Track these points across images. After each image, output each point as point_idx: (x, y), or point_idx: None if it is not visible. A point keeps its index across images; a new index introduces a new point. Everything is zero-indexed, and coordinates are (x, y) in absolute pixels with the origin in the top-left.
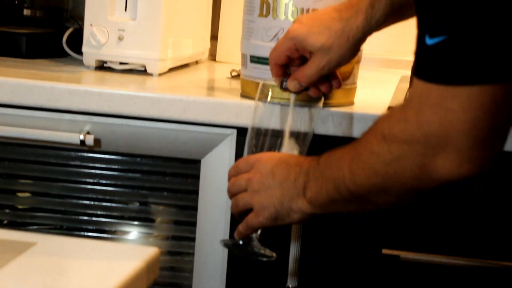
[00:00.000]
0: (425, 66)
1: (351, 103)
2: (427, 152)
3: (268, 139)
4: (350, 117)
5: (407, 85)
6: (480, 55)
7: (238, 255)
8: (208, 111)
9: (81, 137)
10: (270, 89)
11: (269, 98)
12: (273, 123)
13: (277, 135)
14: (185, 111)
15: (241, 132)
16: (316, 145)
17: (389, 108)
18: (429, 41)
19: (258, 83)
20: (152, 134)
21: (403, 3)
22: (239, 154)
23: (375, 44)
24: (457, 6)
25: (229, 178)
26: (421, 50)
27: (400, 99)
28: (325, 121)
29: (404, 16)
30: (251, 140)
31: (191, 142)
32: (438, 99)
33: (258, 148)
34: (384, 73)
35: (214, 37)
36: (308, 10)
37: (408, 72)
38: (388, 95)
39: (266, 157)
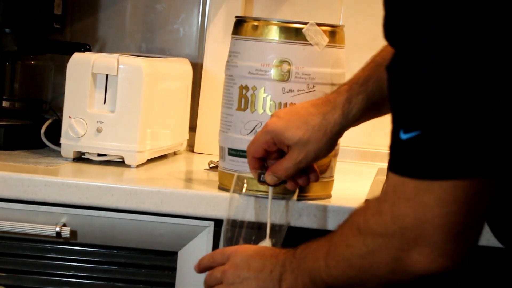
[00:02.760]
0: (400, 161)
1: (329, 196)
2: (402, 245)
3: (243, 231)
4: (326, 209)
5: (384, 177)
6: (453, 150)
7: None
8: (186, 203)
9: (57, 229)
10: (245, 181)
11: (244, 190)
12: (248, 215)
13: (253, 227)
14: (162, 203)
15: (219, 224)
16: (292, 237)
17: (366, 200)
18: (403, 136)
19: None
20: (129, 226)
21: (379, 100)
22: (216, 246)
23: (352, 136)
24: (430, 104)
25: (200, 264)
26: (396, 144)
27: (377, 191)
28: (301, 213)
29: (380, 112)
30: (227, 233)
31: (168, 234)
32: (412, 193)
33: (234, 240)
34: (361, 165)
35: (192, 128)
36: (286, 104)
37: (384, 165)
38: (365, 188)
39: (242, 249)
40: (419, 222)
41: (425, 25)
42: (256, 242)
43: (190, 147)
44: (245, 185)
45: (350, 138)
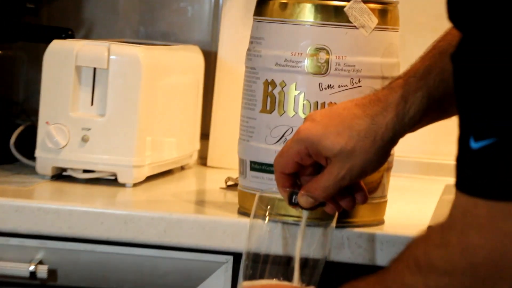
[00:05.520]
0: (470, 176)
1: (380, 222)
2: (475, 286)
3: (268, 267)
4: (376, 239)
5: (452, 197)
6: None
7: None
8: (197, 232)
9: (32, 268)
10: (270, 203)
11: (269, 215)
12: (274, 247)
13: (280, 262)
14: (166, 233)
15: (239, 258)
16: (331, 276)
17: (429, 227)
18: (474, 144)
19: None
20: (124, 263)
21: (444, 97)
22: (235, 287)
23: (410, 144)
24: (510, 101)
25: None
26: (465, 156)
27: (444, 215)
28: (343, 244)
29: (446, 113)
30: (247, 269)
31: (175, 273)
32: (487, 219)
33: (256, 279)
34: (423, 181)
35: (205, 136)
36: (323, 105)
37: (453, 180)
38: (428, 211)
39: None
40: (496, 256)
41: (505, 3)
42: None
43: (202, 160)
44: (269, 207)
45: (408, 147)
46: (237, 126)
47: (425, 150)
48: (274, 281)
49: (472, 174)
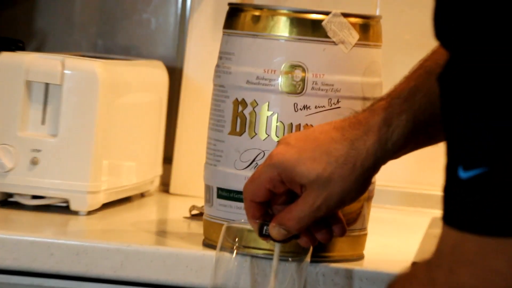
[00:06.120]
0: (459, 209)
1: (360, 257)
2: None
3: None
4: (355, 276)
5: (440, 230)
6: None
7: None
8: (157, 266)
9: None
10: (238, 235)
11: (237, 248)
12: (242, 283)
13: None
14: (123, 266)
15: None
16: None
17: (414, 264)
18: (463, 174)
19: None
20: None
21: (431, 121)
22: None
23: (394, 172)
24: (501, 129)
25: None
26: (453, 186)
27: (430, 251)
28: (318, 281)
29: (432, 139)
30: None
31: None
32: (477, 256)
33: None
34: (407, 213)
35: (167, 160)
36: (298, 127)
37: (440, 213)
38: (413, 246)
39: None
40: None
41: (494, 19)
42: None
43: (164, 187)
44: (238, 240)
45: (391, 175)
46: (203, 150)
47: (409, 179)
48: None
49: (461, 207)
